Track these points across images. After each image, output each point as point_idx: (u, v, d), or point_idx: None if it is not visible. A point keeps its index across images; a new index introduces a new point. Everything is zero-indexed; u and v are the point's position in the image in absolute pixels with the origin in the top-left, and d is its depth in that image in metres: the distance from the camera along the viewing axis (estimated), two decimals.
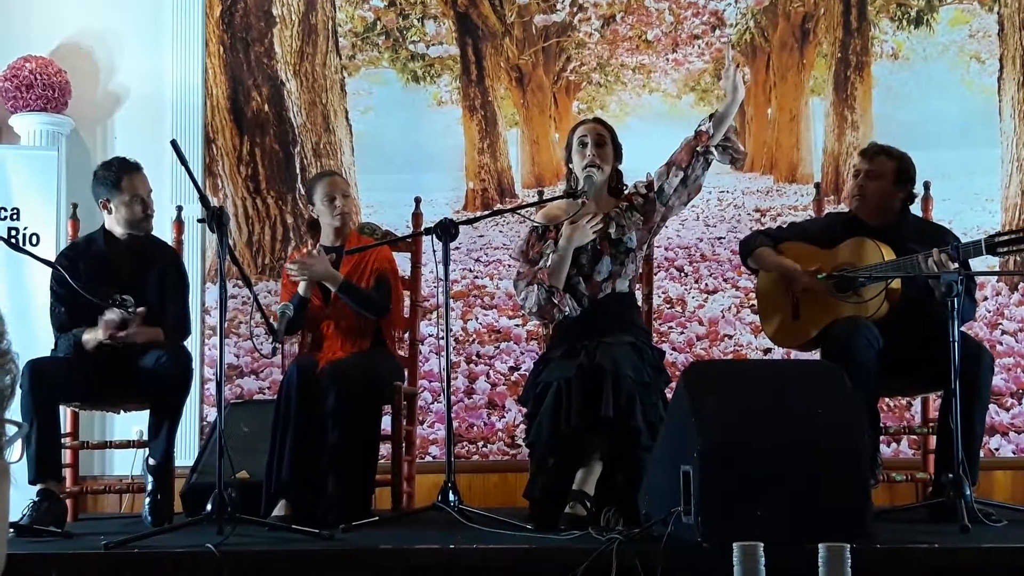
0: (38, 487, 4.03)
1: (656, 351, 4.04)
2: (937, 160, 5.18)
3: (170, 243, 4.61)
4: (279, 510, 4.01)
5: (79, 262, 4.26)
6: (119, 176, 4.27)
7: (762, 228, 4.58)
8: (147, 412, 4.28)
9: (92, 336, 4.12)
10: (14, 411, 4.05)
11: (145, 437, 4.39)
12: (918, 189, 4.33)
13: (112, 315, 4.08)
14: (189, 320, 4.45)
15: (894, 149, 4.17)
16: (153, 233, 4.44)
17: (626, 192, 4.16)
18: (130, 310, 4.06)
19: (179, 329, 4.34)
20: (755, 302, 4.49)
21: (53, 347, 4.28)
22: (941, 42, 5.57)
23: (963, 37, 5.57)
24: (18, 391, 3.99)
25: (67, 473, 4.37)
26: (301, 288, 4.24)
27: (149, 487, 4.19)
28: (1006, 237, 3.77)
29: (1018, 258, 5.20)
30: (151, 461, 4.20)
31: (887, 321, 3.96)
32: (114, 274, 4.26)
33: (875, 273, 3.93)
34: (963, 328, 3.74)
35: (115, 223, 4.32)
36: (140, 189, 4.29)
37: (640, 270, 4.23)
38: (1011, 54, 5.51)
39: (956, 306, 3.63)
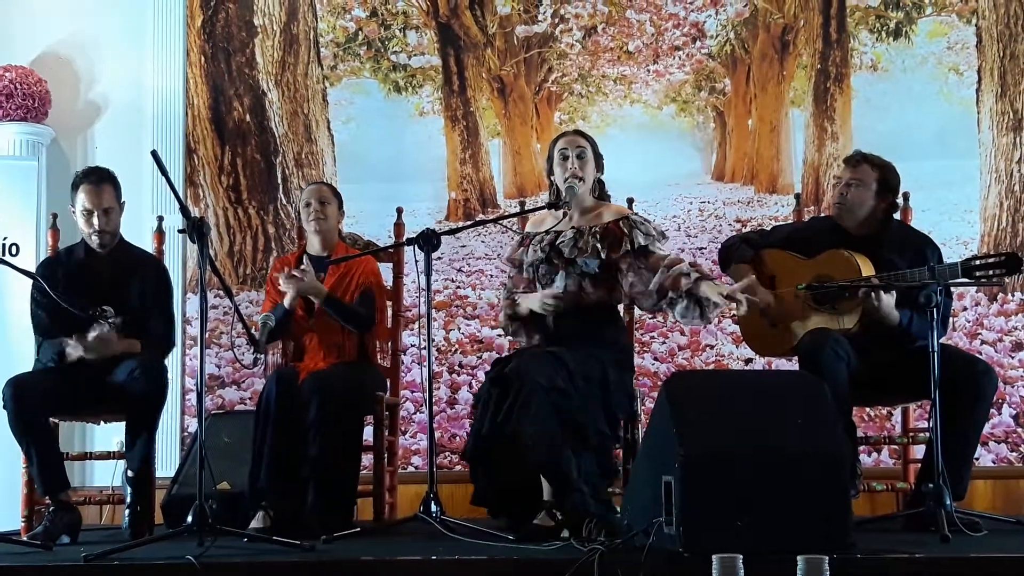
0: (48, 500, 4.09)
1: (609, 360, 3.93)
2: (916, 171, 5.19)
3: (150, 252, 4.58)
4: (256, 522, 4.00)
5: (59, 272, 4.23)
6: (79, 184, 4.24)
7: (744, 234, 4.56)
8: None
9: (74, 350, 4.10)
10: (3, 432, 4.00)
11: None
12: (897, 200, 4.35)
13: (93, 333, 4.05)
14: (175, 329, 4.42)
15: (877, 157, 4.19)
16: (131, 242, 4.42)
17: (614, 219, 4.05)
18: (111, 320, 4.04)
19: (165, 337, 4.32)
20: (735, 312, 4.49)
21: (36, 353, 4.24)
22: (920, 54, 5.61)
23: (941, 49, 5.61)
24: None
25: None
26: (287, 300, 4.23)
27: (128, 499, 4.17)
28: (982, 261, 3.80)
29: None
30: (129, 472, 4.18)
31: (869, 333, 3.97)
32: (94, 284, 4.22)
33: (851, 286, 3.94)
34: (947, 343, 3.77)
35: None
36: (92, 203, 4.21)
37: (619, 295, 4.11)
38: (989, 66, 5.55)
39: (935, 316, 3.65)
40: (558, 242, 4.05)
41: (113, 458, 4.80)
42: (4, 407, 4.03)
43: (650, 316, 5.54)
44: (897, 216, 4.34)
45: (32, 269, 4.34)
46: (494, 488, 3.89)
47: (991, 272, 3.75)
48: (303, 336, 4.33)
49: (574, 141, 4.12)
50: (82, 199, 4.22)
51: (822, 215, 4.83)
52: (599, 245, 4.00)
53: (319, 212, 4.37)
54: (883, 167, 4.16)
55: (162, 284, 4.38)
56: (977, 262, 3.78)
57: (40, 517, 4.33)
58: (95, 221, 4.22)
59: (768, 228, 4.58)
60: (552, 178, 4.16)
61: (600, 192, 4.18)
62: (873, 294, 3.85)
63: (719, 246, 4.44)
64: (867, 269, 3.98)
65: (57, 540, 3.94)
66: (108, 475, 5.12)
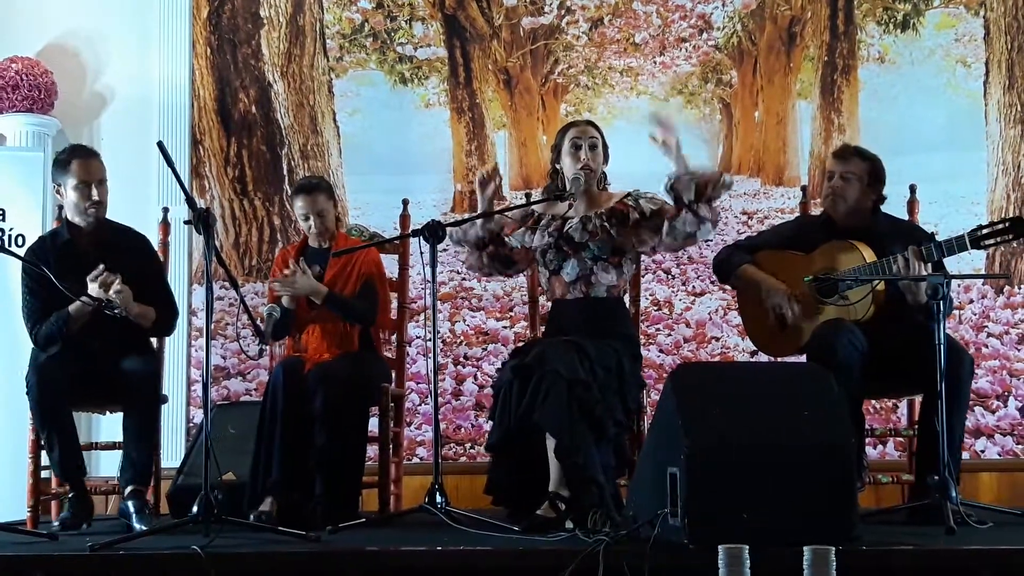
0: (60, 488, 4.12)
1: (623, 350, 3.97)
2: (923, 163, 5.21)
3: (155, 245, 4.57)
4: (265, 505, 4.00)
5: (48, 257, 4.14)
6: (70, 159, 4.19)
7: (734, 242, 4.53)
8: None
9: (77, 307, 4.03)
10: (24, 416, 4.01)
11: None
12: (904, 192, 4.34)
13: (95, 285, 4.00)
14: (175, 299, 4.40)
15: (866, 151, 4.20)
16: (115, 220, 4.36)
17: (621, 200, 4.09)
18: (116, 311, 4.02)
19: (172, 308, 4.33)
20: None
21: (33, 344, 4.21)
22: (927, 46, 5.60)
23: (949, 41, 5.59)
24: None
25: (51, 475, 4.35)
26: (285, 301, 4.22)
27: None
28: (988, 229, 3.78)
29: (1003, 249, 5.20)
30: (128, 488, 4.11)
31: (875, 322, 3.96)
32: (84, 265, 4.11)
33: (859, 276, 3.93)
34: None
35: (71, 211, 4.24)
36: (86, 174, 4.15)
37: (627, 279, 4.16)
38: (997, 58, 5.53)
39: (942, 309, 3.64)
40: (567, 228, 4.05)
41: (119, 448, 4.80)
42: (28, 393, 4.02)
43: (655, 308, 5.54)
44: (899, 208, 4.34)
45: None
46: (513, 480, 3.88)
47: (998, 239, 3.74)
48: (306, 327, 4.32)
49: (587, 131, 4.12)
50: (76, 171, 4.16)
51: (811, 212, 4.77)
52: (607, 224, 4.01)
53: (320, 225, 4.35)
54: (872, 160, 4.16)
55: (156, 258, 4.41)
56: (984, 231, 3.76)
57: (47, 507, 4.34)
58: (92, 193, 4.16)
59: (755, 234, 4.56)
60: (558, 167, 4.15)
61: (603, 185, 4.18)
62: (909, 261, 3.80)
63: (725, 243, 4.42)
64: (869, 255, 3.97)
65: (80, 528, 3.95)
66: (113, 465, 5.13)
